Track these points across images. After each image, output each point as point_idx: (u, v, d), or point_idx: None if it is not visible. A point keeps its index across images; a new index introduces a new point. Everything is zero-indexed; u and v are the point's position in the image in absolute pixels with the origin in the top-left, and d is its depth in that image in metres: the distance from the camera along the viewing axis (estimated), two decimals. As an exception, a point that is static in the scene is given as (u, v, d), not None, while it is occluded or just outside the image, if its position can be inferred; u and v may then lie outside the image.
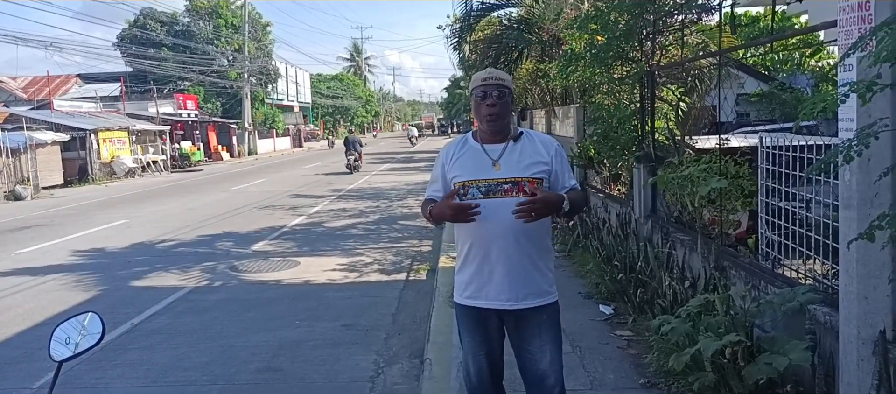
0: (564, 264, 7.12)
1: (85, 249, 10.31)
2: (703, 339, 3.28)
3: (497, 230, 2.57)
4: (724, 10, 5.74)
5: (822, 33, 12.00)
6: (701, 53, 6.68)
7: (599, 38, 6.66)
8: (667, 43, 6.74)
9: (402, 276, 7.80)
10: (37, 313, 6.72)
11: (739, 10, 16.29)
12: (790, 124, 8.81)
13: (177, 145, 31.35)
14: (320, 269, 8.28)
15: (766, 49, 13.37)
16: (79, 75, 38.89)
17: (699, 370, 3.46)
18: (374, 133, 63.93)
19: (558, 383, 2.73)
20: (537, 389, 2.75)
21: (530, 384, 2.78)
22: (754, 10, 20.92)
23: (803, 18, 21.04)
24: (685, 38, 6.49)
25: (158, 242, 10.71)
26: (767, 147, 4.16)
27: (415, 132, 54.28)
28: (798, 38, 16.56)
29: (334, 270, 8.22)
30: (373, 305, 6.55)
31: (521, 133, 2.74)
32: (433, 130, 76.42)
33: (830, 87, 12.41)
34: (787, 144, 3.93)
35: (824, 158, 2.05)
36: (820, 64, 17.68)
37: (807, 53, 17.91)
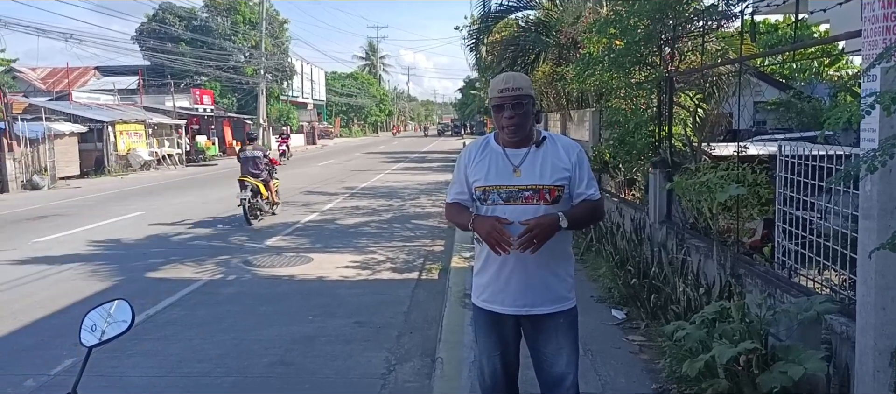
0: (577, 268, 7.06)
1: (101, 240, 10.42)
2: (717, 346, 3.28)
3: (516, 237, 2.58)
4: (744, 17, 5.71)
5: (841, 43, 11.91)
6: (720, 60, 6.65)
7: (618, 42, 6.65)
8: (686, 49, 6.72)
9: (415, 275, 7.82)
10: (53, 302, 6.81)
11: (758, 18, 16.20)
12: (809, 133, 8.75)
13: (192, 140, 31.58)
14: (333, 266, 8.32)
15: (786, 57, 13.26)
16: (97, 68, 39.27)
17: (712, 377, 3.45)
18: (394, 131, 75.59)
19: (574, 386, 2.74)
20: (552, 392, 2.76)
21: (545, 387, 2.80)
22: (773, 18, 20.79)
23: (823, 27, 20.86)
24: (704, 45, 6.47)
25: (173, 235, 10.81)
26: (786, 156, 4.15)
27: (441, 128, 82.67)
28: (817, 47, 16.44)
29: (347, 267, 8.26)
30: (385, 303, 6.58)
31: (545, 138, 2.70)
32: (448, 131, 77.55)
33: (849, 98, 12.28)
34: (805, 153, 3.92)
35: (847, 167, 2.05)
36: (839, 74, 17.54)
37: (826, 63, 17.77)
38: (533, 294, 2.65)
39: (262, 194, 11.89)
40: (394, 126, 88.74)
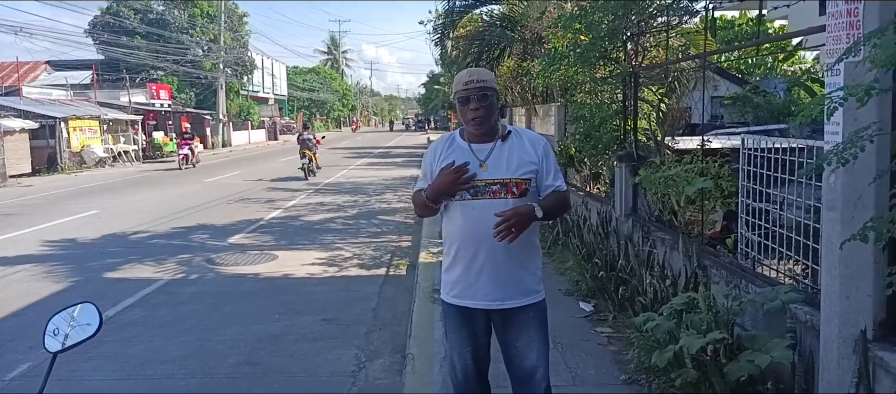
0: (545, 261, 7.13)
1: (56, 240, 10.09)
2: (685, 336, 3.33)
3: (485, 232, 2.56)
4: (705, 13, 5.81)
5: (795, 38, 12.23)
6: (684, 56, 6.76)
7: (583, 37, 6.70)
8: (649, 45, 6.81)
9: (382, 271, 7.77)
10: (7, 304, 6.56)
11: (716, 13, 16.55)
12: (770, 127, 8.97)
13: (148, 136, 30.82)
14: (299, 263, 8.21)
15: (745, 53, 13.57)
16: (48, 62, 37.98)
17: (681, 367, 3.51)
18: (353, 127, 71.38)
19: (545, 379, 2.75)
20: (524, 386, 2.77)
21: (516, 381, 2.80)
22: (729, 14, 21.27)
23: (777, 23, 21.37)
24: (668, 40, 6.56)
25: (132, 234, 10.52)
26: (748, 149, 4.23)
27: (408, 122, 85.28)
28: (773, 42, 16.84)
29: (313, 264, 8.16)
30: (353, 299, 6.52)
31: (510, 132, 2.72)
32: (412, 125, 77.58)
33: (803, 93, 12.56)
34: (767, 146, 4.00)
35: (817, 160, 2.09)
36: (793, 69, 18.04)
37: (780, 57, 18.25)
38: (504, 288, 2.65)
39: (312, 160, 19.55)
40: (353, 121, 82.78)
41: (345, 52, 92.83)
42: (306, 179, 18.62)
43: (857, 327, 2.68)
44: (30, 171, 22.18)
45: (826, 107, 2.16)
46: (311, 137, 19.95)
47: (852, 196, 2.59)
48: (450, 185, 2.58)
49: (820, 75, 13.70)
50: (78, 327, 1.81)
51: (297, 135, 22.64)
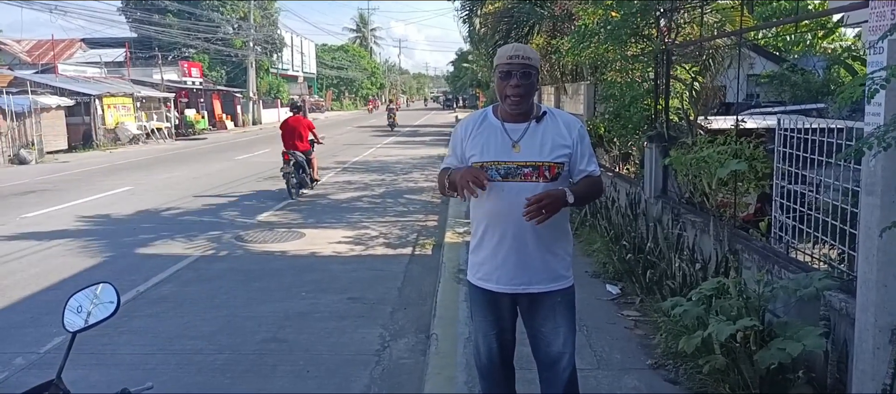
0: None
1: (90, 215, 10.31)
2: (715, 322, 3.25)
3: (514, 215, 2.50)
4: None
5: (836, 14, 11.81)
6: (718, 33, 6.57)
7: (614, 14, 6.55)
8: (682, 21, 6.63)
9: (408, 250, 7.78)
10: (43, 278, 6.73)
11: (753, -11, 16.01)
12: (808, 106, 8.70)
13: (181, 113, 31.25)
14: (325, 241, 8.26)
15: (783, 30, 13.17)
16: (83, 40, 38.62)
17: (709, 353, 3.44)
18: (369, 107, 63.66)
19: (570, 365, 2.71)
20: (549, 370, 2.74)
21: (542, 365, 2.77)
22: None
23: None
24: (703, 16, 6.37)
25: (163, 210, 10.71)
26: (784, 129, 4.10)
27: (440, 100, 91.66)
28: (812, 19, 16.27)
29: (339, 242, 8.21)
30: (378, 278, 6.54)
31: (545, 113, 2.63)
32: (440, 104, 77.34)
33: (843, 71, 12.14)
34: (804, 126, 3.87)
35: (856, 143, 2.00)
36: (832, 46, 17.44)
37: (819, 35, 17.67)
38: (530, 272, 2.60)
39: (395, 120, 32.85)
40: (370, 100, 69.90)
41: (373, 29, 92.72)
42: (391, 131, 30.70)
43: (894, 316, 2.58)
44: (66, 147, 22.67)
45: (867, 87, 2.06)
46: (394, 107, 36.38)
47: (893, 181, 2.49)
48: (463, 179, 2.46)
49: (861, 53, 13.25)
50: (100, 306, 1.82)
51: (386, 105, 41.24)
